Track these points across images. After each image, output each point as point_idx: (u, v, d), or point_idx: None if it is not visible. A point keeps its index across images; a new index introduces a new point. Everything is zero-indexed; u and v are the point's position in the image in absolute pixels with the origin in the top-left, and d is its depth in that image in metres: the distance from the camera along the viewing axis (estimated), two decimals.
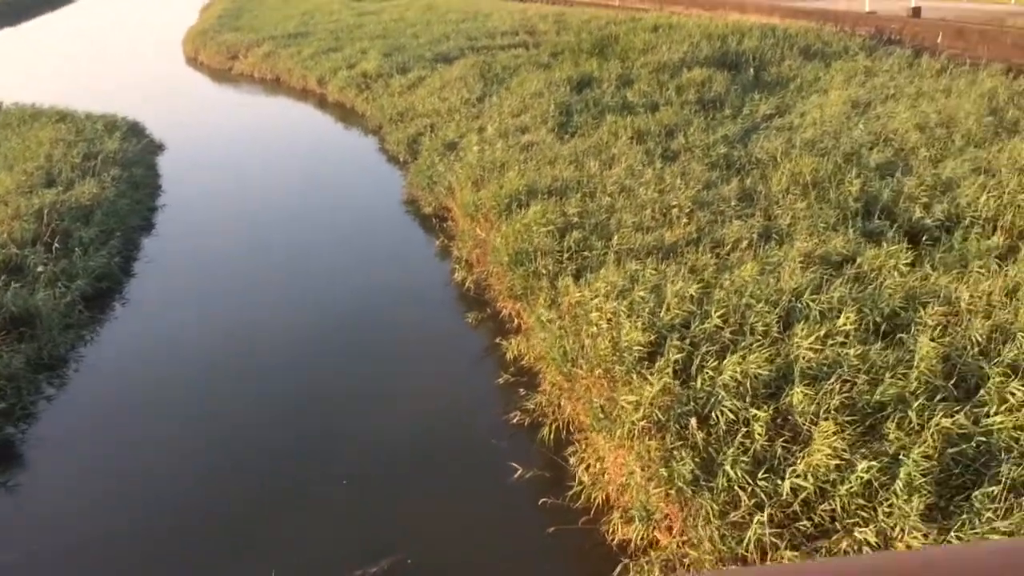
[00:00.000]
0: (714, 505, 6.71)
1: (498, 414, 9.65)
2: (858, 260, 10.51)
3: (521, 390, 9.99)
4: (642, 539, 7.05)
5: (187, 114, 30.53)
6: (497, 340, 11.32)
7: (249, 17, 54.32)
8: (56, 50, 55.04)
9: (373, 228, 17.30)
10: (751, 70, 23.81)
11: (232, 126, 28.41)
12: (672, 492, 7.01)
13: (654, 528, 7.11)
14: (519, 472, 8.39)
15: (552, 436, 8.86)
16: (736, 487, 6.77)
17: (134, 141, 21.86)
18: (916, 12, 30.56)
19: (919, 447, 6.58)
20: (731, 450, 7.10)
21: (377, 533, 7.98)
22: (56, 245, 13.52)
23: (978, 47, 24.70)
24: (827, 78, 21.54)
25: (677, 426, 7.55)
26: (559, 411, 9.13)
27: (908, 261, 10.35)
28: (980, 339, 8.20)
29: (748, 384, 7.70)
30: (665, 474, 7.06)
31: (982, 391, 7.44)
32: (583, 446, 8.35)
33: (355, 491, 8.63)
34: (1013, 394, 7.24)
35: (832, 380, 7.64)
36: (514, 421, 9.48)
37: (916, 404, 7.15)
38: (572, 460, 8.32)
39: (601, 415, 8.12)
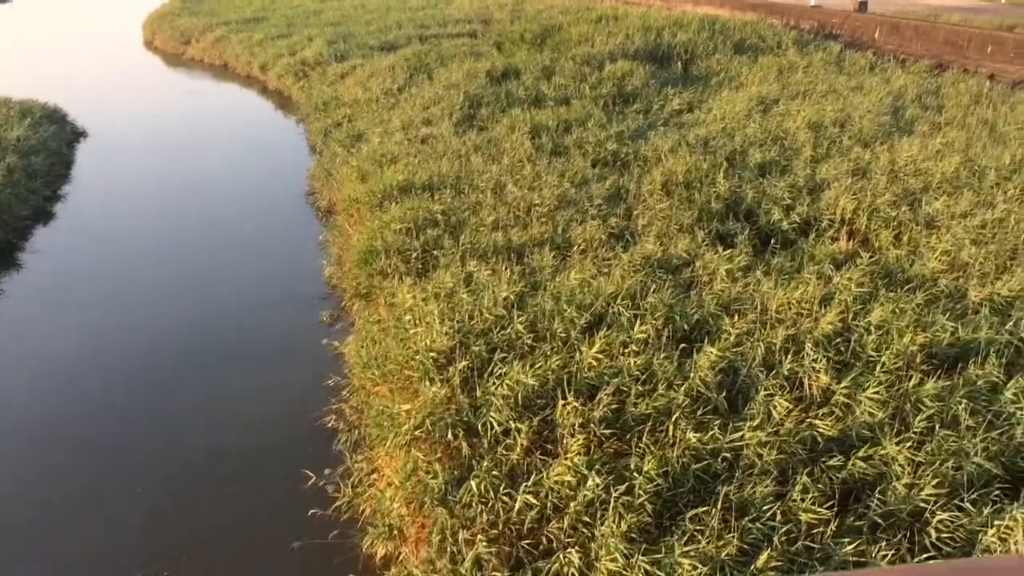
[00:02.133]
0: (451, 521, 6.55)
1: (315, 418, 9.47)
2: (696, 264, 10.35)
3: (344, 393, 9.82)
4: (386, 555, 6.90)
5: (122, 100, 30.17)
6: (339, 340, 11.13)
7: (214, 1, 53.84)
8: (18, 27, 54.59)
9: (267, 222, 17.08)
10: (679, 64, 23.62)
11: (165, 114, 28.05)
12: (422, 506, 6.85)
13: (403, 543, 6.95)
14: (311, 481, 8.20)
15: (351, 443, 8.69)
16: (476, 503, 6.60)
17: (48, 128, 21.53)
18: (863, 6, 30.33)
19: (651, 463, 6.42)
20: (485, 463, 6.94)
21: (149, 542, 7.83)
22: None
23: (912, 43, 24.50)
24: (749, 73, 21.30)
25: (447, 437, 7.39)
26: (362, 417, 8.97)
27: (744, 265, 10.18)
28: (772, 349, 8.03)
29: (520, 394, 7.53)
30: (410, 488, 6.90)
31: (750, 404, 7.28)
32: (354, 457, 8.18)
33: (145, 498, 8.47)
34: (776, 408, 7.09)
35: (608, 390, 7.48)
36: (328, 425, 9.31)
37: (675, 417, 6.99)
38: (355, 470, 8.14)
39: (381, 423, 7.95)
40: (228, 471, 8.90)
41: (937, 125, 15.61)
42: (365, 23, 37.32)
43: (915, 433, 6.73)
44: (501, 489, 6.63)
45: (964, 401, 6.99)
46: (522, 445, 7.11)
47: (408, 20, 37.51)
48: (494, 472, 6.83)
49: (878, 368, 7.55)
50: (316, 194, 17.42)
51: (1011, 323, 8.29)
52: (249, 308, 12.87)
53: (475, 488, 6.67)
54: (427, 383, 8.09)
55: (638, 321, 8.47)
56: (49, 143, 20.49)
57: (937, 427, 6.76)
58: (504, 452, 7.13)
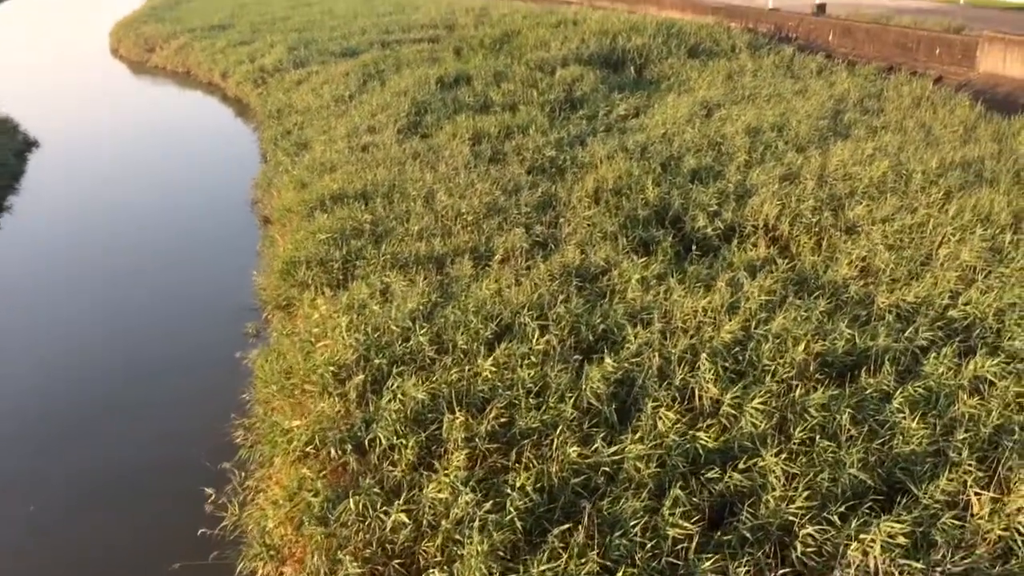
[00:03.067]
0: (327, 540, 6.46)
1: (222, 433, 9.33)
2: (613, 272, 10.29)
3: (257, 407, 9.70)
4: (266, 575, 6.80)
5: (80, 109, 29.92)
6: (256, 353, 11.00)
7: (186, 7, 53.52)
8: None
9: (208, 231, 16.95)
10: (632, 68, 23.64)
11: (121, 122, 27.82)
12: (300, 525, 6.76)
13: (283, 563, 6.86)
14: (211, 498, 8.07)
15: (250, 460, 8.57)
16: (353, 521, 6.52)
17: None
18: (821, 9, 30.45)
19: (527, 478, 6.37)
20: (367, 480, 6.86)
21: (29, 562, 7.72)
22: None
23: (864, 45, 24.59)
24: (699, 78, 21.33)
25: (334, 453, 7.30)
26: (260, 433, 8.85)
27: (658, 273, 10.13)
28: (670, 359, 7.98)
29: (411, 409, 7.46)
30: (291, 506, 6.82)
31: (640, 417, 7.23)
32: (242, 474, 8.06)
33: (37, 514, 8.35)
34: (662, 420, 7.04)
35: (500, 403, 7.42)
36: (236, 441, 9.18)
37: (559, 431, 6.93)
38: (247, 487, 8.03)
39: (274, 439, 7.86)
40: (125, 487, 8.81)
41: (874, 129, 15.65)
42: (330, 29, 37.14)
43: (795, 444, 6.70)
44: (379, 507, 6.55)
45: (849, 411, 6.96)
46: (407, 461, 7.03)
47: (373, 26, 37.34)
48: (375, 489, 6.75)
49: (768, 377, 7.52)
50: (259, 203, 17.29)
51: (910, 330, 8.28)
52: (174, 320, 12.76)
53: (353, 506, 6.59)
54: (324, 397, 8.02)
55: (539, 332, 8.40)
56: None
57: (818, 438, 6.73)
58: (390, 468, 7.06)
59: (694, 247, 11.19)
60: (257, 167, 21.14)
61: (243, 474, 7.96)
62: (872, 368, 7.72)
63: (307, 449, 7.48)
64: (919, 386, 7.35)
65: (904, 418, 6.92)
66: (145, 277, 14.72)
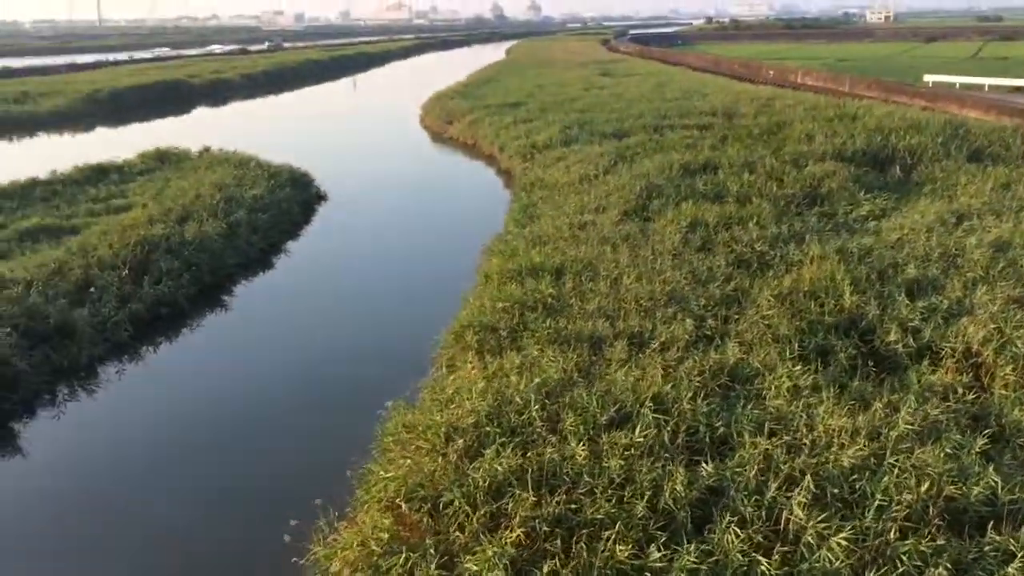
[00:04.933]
0: None
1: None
2: (768, 377, 9.72)
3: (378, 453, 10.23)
4: None
5: (371, 169, 33.60)
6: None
7: (493, 85, 58.14)
8: (326, 101, 62.60)
9: (435, 290, 18.29)
10: (898, 168, 22.11)
11: (402, 184, 30.80)
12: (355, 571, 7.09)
13: None
14: (324, 535, 8.63)
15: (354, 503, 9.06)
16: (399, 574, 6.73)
17: (287, 190, 24.45)
18: None
19: (561, 567, 6.20)
20: (428, 541, 7.06)
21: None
22: (126, 271, 15.70)
23: None
24: (967, 183, 19.48)
25: (413, 510, 7.59)
26: None
27: (812, 384, 9.41)
28: (778, 474, 7.40)
29: (494, 479, 7.57)
30: (355, 552, 7.17)
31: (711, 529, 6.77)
32: (335, 512, 8.48)
33: (155, 518, 9.56)
34: (730, 537, 6.54)
35: (581, 489, 7.33)
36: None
37: (617, 528, 6.69)
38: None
39: (370, 487, 8.31)
40: (245, 511, 9.81)
41: None
42: (609, 111, 38.47)
43: None
44: (423, 567, 6.71)
45: (948, 565, 6.03)
46: (473, 528, 7.14)
47: (652, 110, 38.05)
48: (431, 550, 6.92)
49: (870, 513, 6.71)
50: (480, 268, 18.30)
51: None
52: (361, 366, 13.93)
53: (402, 562, 6.81)
54: (428, 455, 8.36)
55: (651, 426, 8.17)
56: (281, 203, 23.27)
57: None
58: (457, 532, 7.20)
59: (870, 362, 10.24)
60: (497, 232, 22.43)
61: (336, 513, 8.45)
62: (1008, 524, 6.62)
63: (396, 500, 7.82)
64: None
65: None
66: (356, 324, 16.34)
